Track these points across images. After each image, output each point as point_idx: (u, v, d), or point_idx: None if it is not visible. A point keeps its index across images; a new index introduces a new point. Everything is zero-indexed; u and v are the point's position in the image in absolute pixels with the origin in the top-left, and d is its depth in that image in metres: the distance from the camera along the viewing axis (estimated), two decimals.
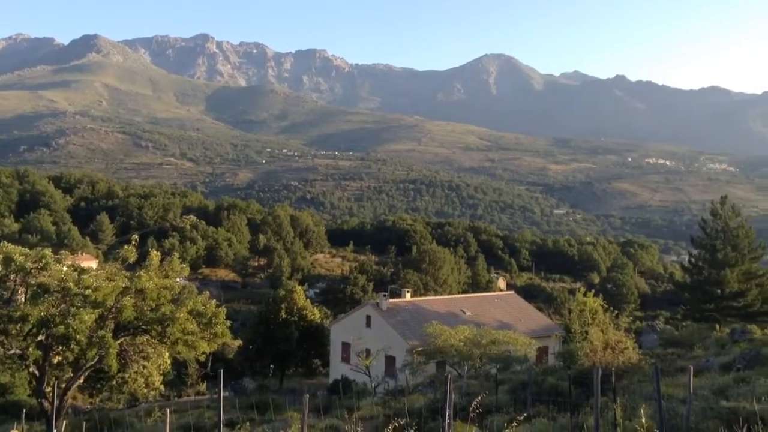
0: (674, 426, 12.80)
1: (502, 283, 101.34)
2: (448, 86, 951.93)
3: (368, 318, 44.19)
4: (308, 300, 55.94)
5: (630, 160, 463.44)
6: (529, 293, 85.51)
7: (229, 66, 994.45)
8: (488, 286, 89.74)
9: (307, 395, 8.71)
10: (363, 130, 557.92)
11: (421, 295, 62.30)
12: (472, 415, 7.86)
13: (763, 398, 13.46)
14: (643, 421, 7.34)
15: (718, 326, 39.24)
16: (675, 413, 13.80)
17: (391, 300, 46.18)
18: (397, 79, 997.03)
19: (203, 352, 22.13)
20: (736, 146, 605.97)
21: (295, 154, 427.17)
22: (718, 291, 44.50)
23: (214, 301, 22.65)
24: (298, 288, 55.27)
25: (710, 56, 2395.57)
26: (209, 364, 43.47)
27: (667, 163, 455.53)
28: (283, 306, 49.70)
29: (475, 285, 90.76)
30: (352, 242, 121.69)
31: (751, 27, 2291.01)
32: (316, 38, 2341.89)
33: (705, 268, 45.89)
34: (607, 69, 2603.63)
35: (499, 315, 47.72)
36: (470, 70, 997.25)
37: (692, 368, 16.35)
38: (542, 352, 41.38)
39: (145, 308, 20.02)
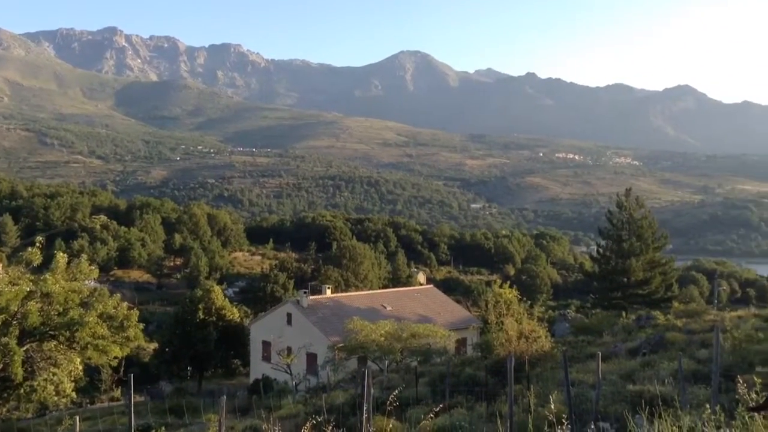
0: (585, 410, 13.36)
1: (422, 277, 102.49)
2: (365, 82, 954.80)
3: (289, 316, 43.84)
4: (227, 299, 54.88)
5: (541, 155, 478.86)
6: (448, 286, 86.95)
7: (139, 60, 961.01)
8: (408, 281, 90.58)
9: (224, 396, 8.56)
10: (281, 126, 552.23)
11: (342, 291, 62.27)
12: (389, 408, 7.93)
13: (666, 381, 14.25)
14: (553, 407, 7.61)
15: (624, 313, 41.13)
16: (585, 398, 14.41)
17: (311, 297, 45.97)
18: (314, 75, 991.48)
19: (115, 357, 21.36)
20: (640, 141, 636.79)
21: (211, 150, 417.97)
22: (625, 279, 46.66)
23: (126, 303, 21.90)
24: (216, 287, 54.13)
25: (614, 54, 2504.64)
26: (122, 369, 41.99)
27: (576, 157, 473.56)
28: (200, 306, 48.52)
29: (395, 280, 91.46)
30: (271, 240, 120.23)
31: (653, 25, 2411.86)
32: (231, 32, 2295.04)
33: (612, 258, 47.95)
34: (519, 67, 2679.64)
35: (419, 309, 48.36)
36: (387, 67, 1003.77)
37: (601, 354, 17.11)
38: (461, 343, 42.20)
39: (52, 313, 19.13)
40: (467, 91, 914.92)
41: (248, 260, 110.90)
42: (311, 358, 38.90)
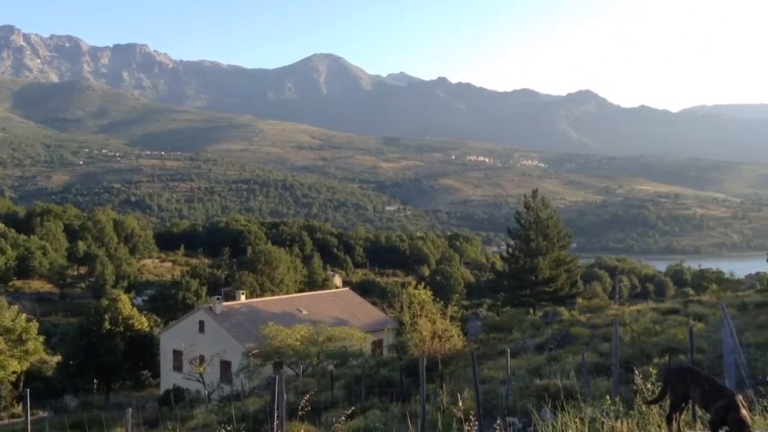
0: (495, 406, 13.74)
1: (338, 280, 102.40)
2: (278, 85, 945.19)
3: (201, 323, 42.81)
4: (135, 308, 52.97)
5: (454, 157, 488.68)
6: (364, 289, 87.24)
7: (38, 60, 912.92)
8: (325, 284, 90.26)
9: (130, 409, 8.25)
10: (191, 129, 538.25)
11: (257, 297, 61.35)
12: (301, 413, 7.89)
13: (570, 374, 14.85)
14: (461, 404, 7.80)
15: (532, 310, 42.56)
16: (496, 394, 14.83)
17: (225, 303, 45.09)
18: (225, 77, 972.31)
19: (14, 372, 20.22)
20: (545, 144, 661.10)
21: (117, 154, 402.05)
22: (533, 277, 48.22)
23: (25, 315, 20.77)
24: (124, 296, 52.12)
25: (520, 60, 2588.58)
26: (21, 384, 39.77)
27: (487, 160, 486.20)
28: (106, 316, 46.54)
29: (311, 283, 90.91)
30: (183, 246, 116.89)
31: (556, 33, 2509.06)
32: (136, 32, 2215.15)
33: (521, 257, 49.46)
34: (430, 71, 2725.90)
35: (336, 312, 48.32)
36: (300, 70, 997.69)
37: (510, 351, 17.67)
38: (377, 345, 42.46)
39: None
40: (380, 95, 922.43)
41: (158, 267, 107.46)
42: (225, 365, 38.12)
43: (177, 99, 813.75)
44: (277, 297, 57.61)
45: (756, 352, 13.09)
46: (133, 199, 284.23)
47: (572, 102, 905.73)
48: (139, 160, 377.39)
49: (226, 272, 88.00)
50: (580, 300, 42.87)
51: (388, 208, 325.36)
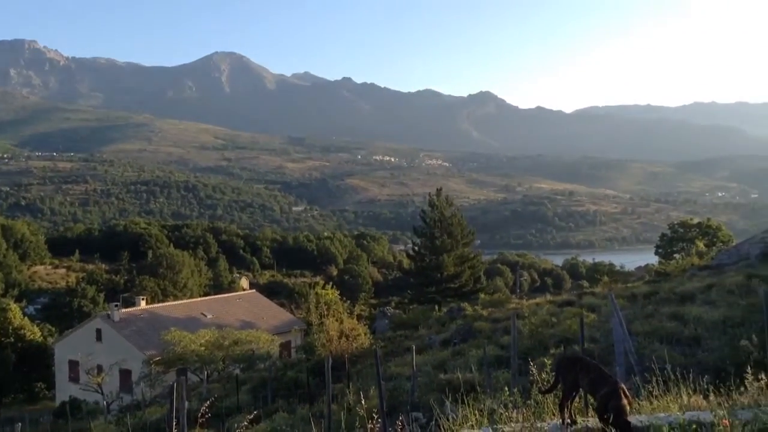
0: (401, 402, 13.96)
1: (245, 282, 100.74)
2: (178, 83, 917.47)
3: (98, 331, 41.09)
4: (27, 318, 50.10)
5: (360, 157, 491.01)
6: (272, 290, 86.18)
7: None
8: (231, 287, 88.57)
9: (20, 424, 7.82)
10: (85, 128, 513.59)
11: (159, 302, 59.38)
12: (202, 420, 7.73)
13: (473, 368, 15.29)
14: (363, 403, 7.89)
15: (438, 307, 43.41)
16: (402, 390, 15.07)
17: (124, 310, 43.45)
18: (121, 74, 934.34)
19: None
20: (449, 143, 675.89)
21: (4, 155, 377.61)
22: (438, 275, 49.16)
23: None
24: (14, 306, 49.28)
25: (423, 62, 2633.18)
26: None
27: (392, 159, 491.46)
28: None
29: (217, 287, 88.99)
30: (78, 251, 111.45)
31: (456, 34, 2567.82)
32: (24, 28, 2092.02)
33: (426, 255, 50.32)
34: (335, 71, 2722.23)
35: (242, 315, 47.56)
36: (201, 68, 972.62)
37: (416, 347, 17.97)
38: (285, 347, 42.13)
39: None
40: (285, 94, 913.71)
41: (51, 274, 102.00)
42: (125, 374, 36.73)
43: (70, 97, 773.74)
44: (180, 302, 55.98)
45: (644, 340, 13.85)
46: (22, 202, 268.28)
47: (473, 103, 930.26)
48: (29, 161, 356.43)
49: (126, 278, 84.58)
50: (483, 295, 44.12)
51: (295, 208, 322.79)
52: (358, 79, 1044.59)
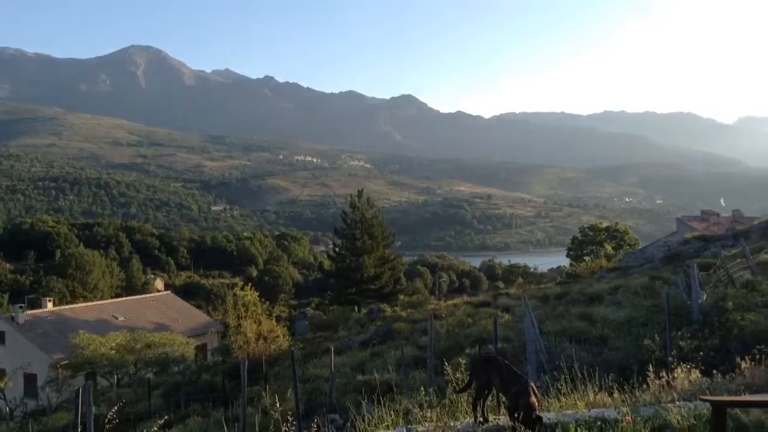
0: (319, 403, 13.90)
1: (159, 283, 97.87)
2: (92, 77, 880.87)
3: (1, 334, 39.01)
4: None
5: (281, 157, 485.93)
6: (188, 292, 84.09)
7: None
8: (145, 288, 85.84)
9: None
10: None
11: (68, 304, 56.81)
12: (109, 426, 7.44)
13: (391, 368, 15.41)
14: (278, 405, 7.81)
15: (357, 308, 43.51)
16: (320, 391, 15.01)
17: (30, 312, 41.41)
18: (30, 65, 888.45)
19: None
20: (371, 145, 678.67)
21: None
22: (359, 276, 49.24)
23: None
24: None
25: (346, 63, 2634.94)
26: None
27: (314, 160, 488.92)
28: None
29: (130, 288, 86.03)
30: None
31: (378, 36, 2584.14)
32: None
33: (347, 256, 50.34)
34: (258, 69, 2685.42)
35: (156, 317, 46.17)
36: (116, 61, 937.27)
37: (335, 348, 17.95)
38: (201, 350, 41.19)
39: None
40: (204, 91, 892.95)
41: None
42: (30, 379, 34.94)
43: None
44: (90, 303, 53.68)
45: (555, 339, 14.33)
46: None
47: (395, 106, 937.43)
48: None
49: (32, 278, 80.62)
50: (402, 296, 44.56)
51: (214, 208, 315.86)
52: (281, 78, 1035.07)
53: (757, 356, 8.71)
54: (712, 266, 20.16)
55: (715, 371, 8.36)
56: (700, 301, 13.46)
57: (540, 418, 6.09)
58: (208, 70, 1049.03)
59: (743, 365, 8.58)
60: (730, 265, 18.51)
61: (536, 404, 6.18)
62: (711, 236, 34.82)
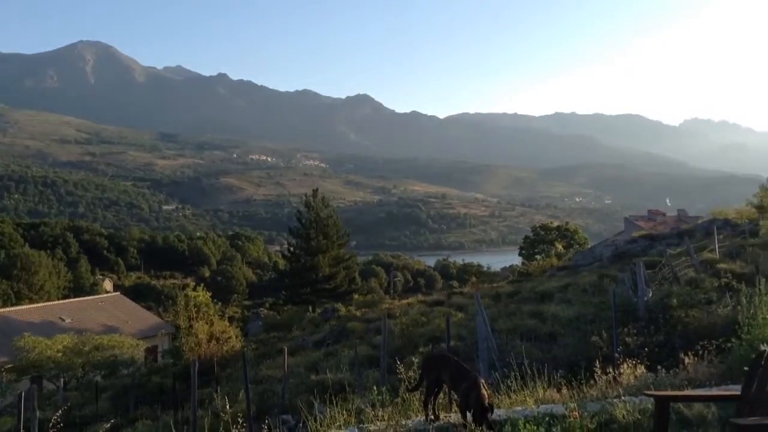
0: (272, 404, 13.79)
1: (108, 284, 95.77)
2: (38, 72, 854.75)
3: None
4: None
5: (235, 156, 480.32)
6: (138, 293, 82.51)
7: None
8: (93, 289, 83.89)
9: None
10: None
11: (12, 306, 55.03)
12: (53, 430, 7.24)
13: (345, 368, 15.39)
14: (229, 407, 7.72)
15: (312, 308, 43.35)
16: (273, 392, 14.89)
17: None
18: None
19: None
20: (326, 144, 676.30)
21: None
22: (313, 275, 49.06)
23: None
24: None
25: (301, 61, 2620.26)
26: None
27: (269, 159, 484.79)
28: None
29: (78, 289, 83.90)
30: None
31: (332, 35, 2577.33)
32: None
33: (302, 256, 50.11)
34: (211, 66, 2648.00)
35: (104, 319, 45.15)
36: (64, 57, 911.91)
37: (289, 349, 17.82)
38: (151, 352, 40.48)
39: None
40: (156, 88, 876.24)
41: None
42: None
43: None
44: (35, 305, 52.08)
45: (506, 337, 14.53)
46: None
47: (351, 105, 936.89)
48: None
49: None
50: (357, 296, 44.57)
51: (165, 207, 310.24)
52: (235, 76, 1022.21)
53: (700, 352, 9.00)
54: (657, 264, 20.72)
55: (659, 366, 8.58)
56: (646, 298, 13.83)
57: (491, 406, 6.14)
58: (160, 67, 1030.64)
59: (686, 361, 8.84)
60: (675, 264, 19.05)
61: (486, 396, 6.23)
62: (657, 235, 35.80)
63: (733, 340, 8.54)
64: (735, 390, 5.00)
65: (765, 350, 4.90)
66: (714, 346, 9.01)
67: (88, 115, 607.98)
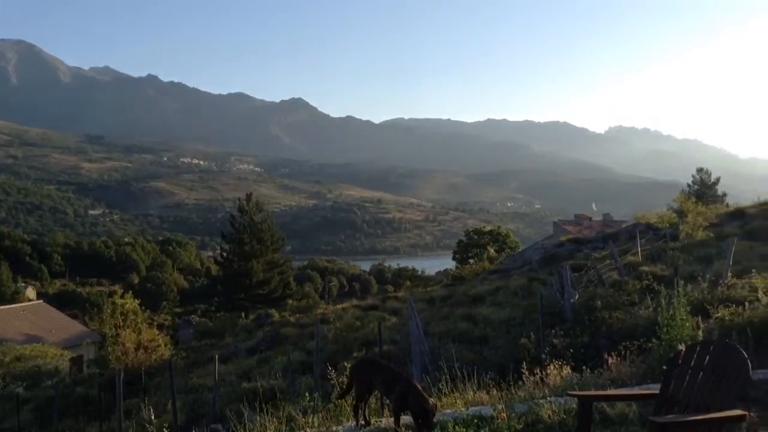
0: (203, 413, 13.52)
1: (31, 292, 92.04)
2: None
3: None
4: None
5: (166, 159, 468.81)
6: (63, 301, 79.73)
7: None
8: (15, 298, 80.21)
9: None
10: None
11: None
12: None
13: (278, 375, 15.23)
14: (154, 418, 7.54)
15: (244, 314, 42.74)
16: (203, 401, 14.60)
17: None
18: None
19: None
20: (261, 148, 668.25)
21: None
22: (247, 281, 48.48)
23: None
24: None
25: (234, 64, 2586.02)
26: None
27: (201, 163, 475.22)
28: None
29: None
30: None
31: (269, 39, 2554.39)
32: None
33: (235, 261, 49.43)
34: (140, 67, 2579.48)
35: (26, 328, 43.33)
36: None
37: (220, 356, 17.52)
38: (76, 362, 39.03)
39: None
40: (82, 89, 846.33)
41: None
42: None
43: None
44: None
45: (439, 340, 14.72)
46: None
47: (286, 109, 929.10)
48: None
49: None
50: (291, 301, 44.22)
51: (91, 212, 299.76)
52: (165, 77, 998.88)
53: (623, 352, 9.32)
54: (584, 267, 21.39)
55: (584, 367, 8.83)
56: (572, 300, 14.25)
57: (435, 407, 6.13)
58: (86, 67, 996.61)
59: (610, 361, 9.13)
60: (600, 266, 19.71)
61: (426, 396, 6.24)
62: (583, 239, 36.95)
63: (654, 340, 8.85)
64: (655, 389, 5.19)
65: (682, 349, 5.09)
66: (636, 346, 9.32)
67: (10, 116, 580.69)
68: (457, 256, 63.78)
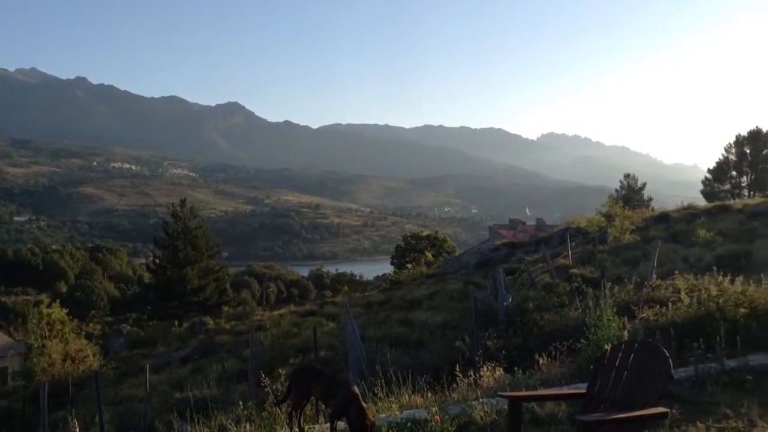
0: (133, 425, 13.14)
1: None
2: None
3: None
4: None
5: (95, 163, 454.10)
6: None
7: None
8: None
9: None
10: None
11: None
12: None
13: (212, 383, 14.96)
14: (78, 431, 7.29)
15: (177, 322, 41.78)
16: (134, 412, 14.19)
17: None
18: None
19: None
20: (195, 153, 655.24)
21: None
22: (182, 288, 47.38)
23: None
24: None
25: (169, 66, 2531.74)
26: None
27: (133, 167, 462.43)
28: None
29: None
30: None
31: (204, 42, 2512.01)
32: None
33: (169, 268, 48.24)
34: (68, 69, 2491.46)
35: None
36: None
37: (151, 366, 17.07)
38: (0, 373, 37.34)
39: None
40: (6, 91, 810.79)
41: None
42: None
43: None
44: None
45: (376, 345, 14.73)
46: None
47: (222, 113, 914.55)
48: None
49: None
50: (227, 308, 43.47)
51: (17, 218, 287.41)
52: (95, 80, 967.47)
53: (553, 353, 9.55)
54: (517, 270, 21.84)
55: (517, 368, 9.00)
56: (505, 303, 14.53)
57: (373, 423, 6.12)
58: (11, 69, 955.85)
59: (541, 362, 9.35)
60: (532, 269, 20.17)
61: (366, 409, 6.22)
62: (517, 243, 37.75)
63: (582, 340, 9.10)
64: (583, 388, 5.32)
65: (607, 349, 5.24)
66: (566, 346, 9.56)
67: None
68: (395, 260, 64.08)
